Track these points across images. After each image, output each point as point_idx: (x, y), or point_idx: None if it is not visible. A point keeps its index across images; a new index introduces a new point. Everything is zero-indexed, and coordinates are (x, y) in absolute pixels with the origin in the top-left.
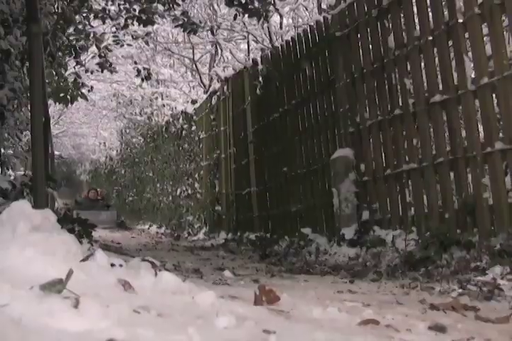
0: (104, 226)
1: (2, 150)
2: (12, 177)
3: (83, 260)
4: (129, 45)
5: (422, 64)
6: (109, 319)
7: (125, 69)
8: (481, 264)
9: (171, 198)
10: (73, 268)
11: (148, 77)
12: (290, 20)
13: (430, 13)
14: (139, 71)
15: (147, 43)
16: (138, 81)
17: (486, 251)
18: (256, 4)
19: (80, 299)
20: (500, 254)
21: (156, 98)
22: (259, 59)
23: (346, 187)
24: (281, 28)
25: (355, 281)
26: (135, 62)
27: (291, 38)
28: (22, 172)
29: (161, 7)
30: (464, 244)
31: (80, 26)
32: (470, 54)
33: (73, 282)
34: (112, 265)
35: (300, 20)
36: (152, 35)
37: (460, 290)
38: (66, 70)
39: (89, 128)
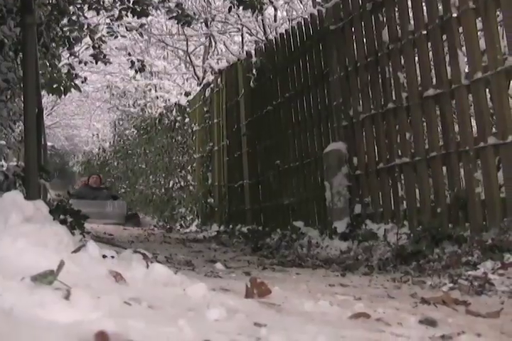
0: (109, 222)
1: None
2: (4, 168)
3: (75, 251)
4: (123, 36)
5: (416, 58)
6: (100, 310)
7: (119, 61)
8: (472, 259)
9: (163, 190)
10: (65, 259)
11: (142, 69)
12: (284, 13)
13: (424, 8)
14: (132, 63)
15: (141, 35)
16: (132, 73)
17: (477, 246)
18: None
19: (71, 290)
20: (492, 249)
21: (150, 90)
22: (253, 51)
23: (339, 180)
24: (275, 20)
25: (347, 275)
26: (129, 54)
27: (286, 30)
28: (14, 163)
29: None
30: (455, 239)
31: (74, 17)
32: (464, 48)
33: (64, 273)
34: (104, 256)
35: (294, 13)
36: (146, 26)
37: (451, 285)
38: (60, 61)
39: (82, 120)
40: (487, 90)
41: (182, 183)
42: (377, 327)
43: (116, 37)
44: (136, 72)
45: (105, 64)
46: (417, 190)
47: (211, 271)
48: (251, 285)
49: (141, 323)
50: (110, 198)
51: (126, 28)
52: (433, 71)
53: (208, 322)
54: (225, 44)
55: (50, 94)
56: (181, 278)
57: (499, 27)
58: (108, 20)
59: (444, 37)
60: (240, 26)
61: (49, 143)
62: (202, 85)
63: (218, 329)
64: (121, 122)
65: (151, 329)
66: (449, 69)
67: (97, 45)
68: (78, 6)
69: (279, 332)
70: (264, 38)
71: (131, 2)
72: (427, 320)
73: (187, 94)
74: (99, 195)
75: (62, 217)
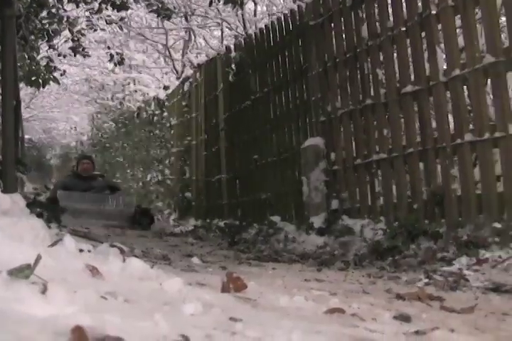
0: (111, 224)
1: None
2: None
3: (51, 245)
4: (102, 29)
5: (395, 54)
6: (76, 305)
7: (98, 54)
8: (447, 255)
9: (141, 184)
10: (41, 253)
11: (121, 62)
12: (264, 8)
13: (404, 4)
14: (111, 56)
15: (121, 28)
16: (110, 66)
17: (452, 242)
18: None
19: (47, 285)
20: (467, 245)
21: (129, 83)
22: (232, 46)
23: (316, 175)
24: (255, 15)
25: (323, 270)
26: (108, 47)
27: (265, 25)
28: None
29: None
30: (431, 235)
31: (54, 10)
32: (442, 46)
33: (41, 267)
34: (81, 250)
35: (274, 8)
36: (126, 20)
37: (426, 280)
38: (38, 54)
39: (60, 113)
40: (465, 87)
41: (159, 177)
42: (351, 322)
43: (95, 30)
44: (115, 65)
45: (84, 57)
46: (394, 186)
47: (188, 266)
48: (227, 280)
49: (117, 317)
50: (108, 190)
51: (105, 21)
52: (411, 68)
53: (184, 316)
54: (204, 38)
55: (28, 87)
56: (157, 272)
57: (478, 24)
58: (87, 13)
59: (423, 34)
60: (219, 21)
61: (26, 136)
62: (181, 79)
63: (194, 324)
64: (99, 115)
65: (127, 323)
66: (427, 66)
67: (76, 38)
68: None
69: (254, 326)
70: (243, 33)
71: None
72: (401, 315)
73: (166, 88)
74: (93, 185)
75: (39, 210)
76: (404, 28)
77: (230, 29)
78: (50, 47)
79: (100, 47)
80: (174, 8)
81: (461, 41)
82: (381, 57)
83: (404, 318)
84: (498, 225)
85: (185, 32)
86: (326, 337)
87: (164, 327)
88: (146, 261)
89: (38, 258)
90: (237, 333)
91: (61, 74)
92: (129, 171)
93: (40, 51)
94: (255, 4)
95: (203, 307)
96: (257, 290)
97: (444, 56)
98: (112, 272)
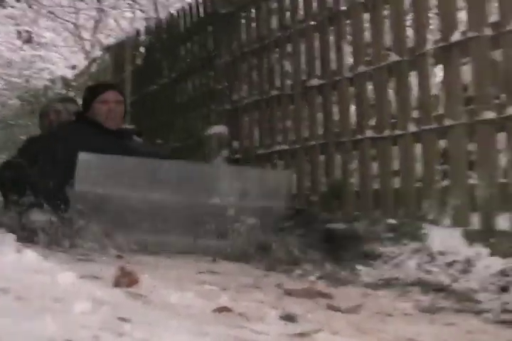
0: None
1: None
2: None
3: None
4: (12, 7)
5: (303, 48)
6: None
7: (6, 30)
8: None
9: None
10: None
11: (29, 40)
12: None
13: None
14: (19, 33)
15: (30, 6)
16: (18, 42)
17: None
18: None
19: None
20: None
21: (36, 61)
22: (142, 29)
23: (218, 163)
24: None
25: (219, 260)
26: (17, 24)
27: (177, 11)
28: None
29: None
30: None
31: None
32: (350, 42)
33: None
34: None
35: None
36: None
37: (318, 274)
38: None
39: None
40: (369, 84)
41: None
42: (238, 322)
43: (4, 7)
44: (23, 42)
45: None
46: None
47: (85, 253)
48: (120, 273)
49: (7, 318)
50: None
51: None
52: (318, 61)
53: (74, 315)
54: (115, 20)
55: None
56: (51, 264)
57: (386, 22)
58: None
59: (332, 29)
60: (131, 2)
61: None
62: (89, 60)
63: (83, 324)
64: (4, 92)
65: (16, 324)
66: (333, 61)
67: None
68: None
69: (143, 327)
70: (155, 17)
71: None
72: (287, 315)
73: (73, 67)
74: (134, 149)
75: None
76: (313, 22)
77: (142, 11)
78: None
79: (9, 23)
80: None
81: (368, 38)
82: (289, 50)
83: (290, 318)
84: (392, 221)
85: (97, 12)
86: (212, 339)
87: (52, 328)
88: (43, 248)
89: None
90: (125, 334)
91: None
92: None
93: None
94: None
95: (94, 304)
96: (150, 285)
97: (351, 52)
98: (6, 264)
